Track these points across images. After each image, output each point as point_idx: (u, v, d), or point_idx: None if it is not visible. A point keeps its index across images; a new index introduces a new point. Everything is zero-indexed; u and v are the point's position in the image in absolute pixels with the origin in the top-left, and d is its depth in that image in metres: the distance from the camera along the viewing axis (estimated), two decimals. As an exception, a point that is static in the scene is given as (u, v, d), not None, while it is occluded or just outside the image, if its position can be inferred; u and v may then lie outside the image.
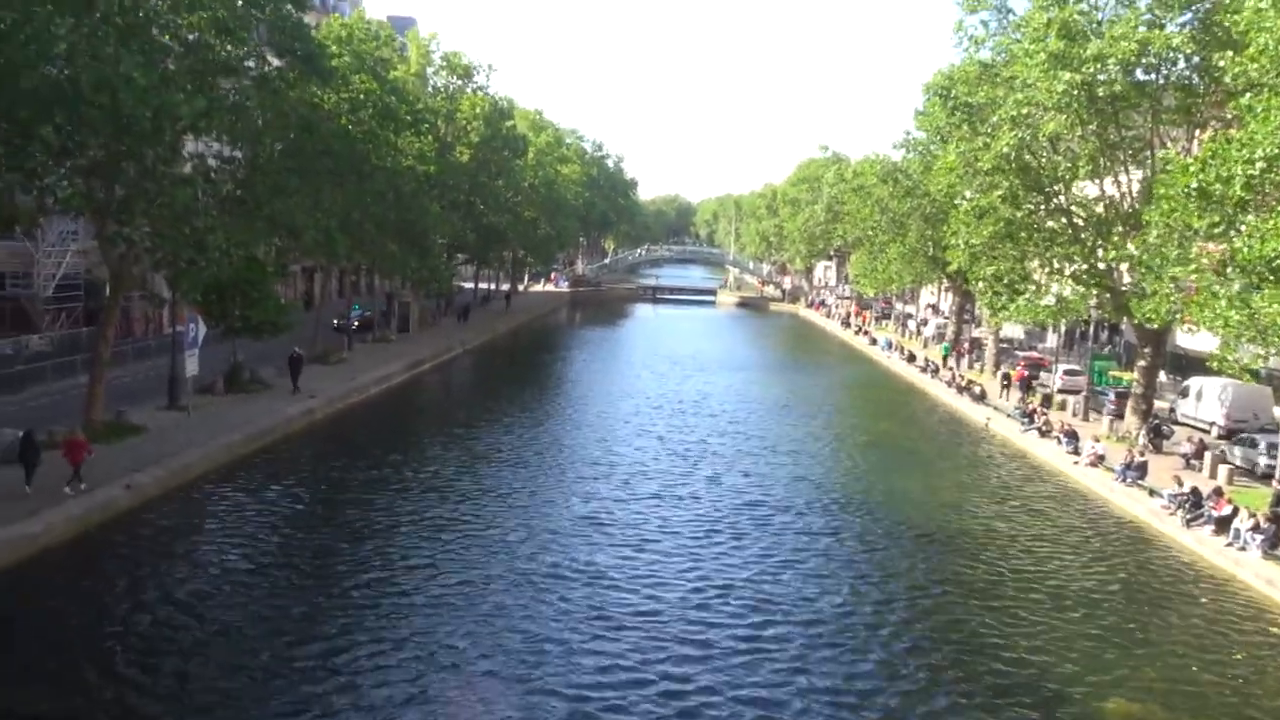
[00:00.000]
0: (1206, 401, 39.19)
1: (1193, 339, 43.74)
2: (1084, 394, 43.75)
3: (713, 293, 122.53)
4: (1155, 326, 33.57)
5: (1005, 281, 39.07)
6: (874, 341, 71.91)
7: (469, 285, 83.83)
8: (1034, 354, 58.63)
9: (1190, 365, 46.18)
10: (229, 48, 29.06)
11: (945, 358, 59.19)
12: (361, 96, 44.29)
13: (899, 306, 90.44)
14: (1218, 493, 26.79)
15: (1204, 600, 21.96)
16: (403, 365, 48.39)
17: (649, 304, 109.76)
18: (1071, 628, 19.66)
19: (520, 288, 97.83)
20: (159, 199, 26.87)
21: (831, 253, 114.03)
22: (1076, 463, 33.75)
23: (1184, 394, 41.42)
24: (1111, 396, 42.37)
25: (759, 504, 27.98)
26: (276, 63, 32.23)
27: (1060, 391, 46.74)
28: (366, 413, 39.33)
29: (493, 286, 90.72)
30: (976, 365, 58.21)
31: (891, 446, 37.98)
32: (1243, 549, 23.83)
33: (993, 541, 25.49)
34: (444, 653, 16.94)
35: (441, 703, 15.31)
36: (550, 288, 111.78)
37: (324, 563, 21.44)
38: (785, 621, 19.16)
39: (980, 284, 41.47)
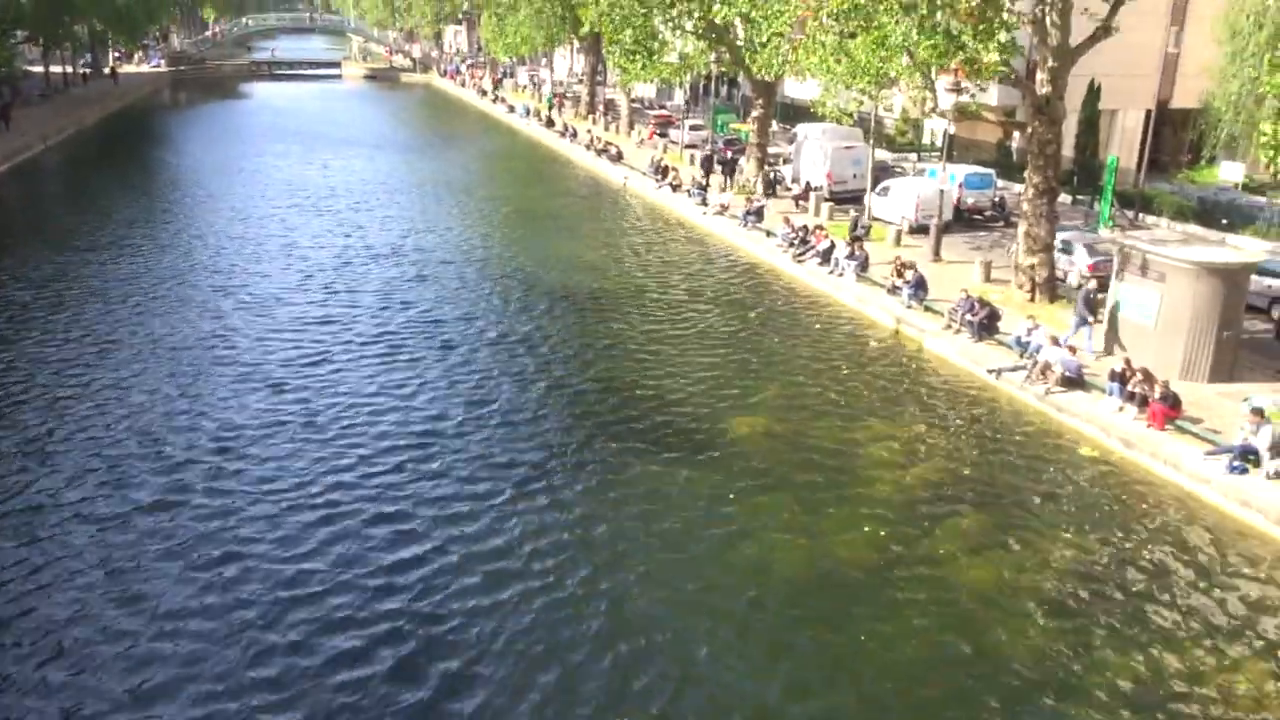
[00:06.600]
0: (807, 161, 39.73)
1: (800, 88, 47.43)
2: (705, 144, 46.35)
3: (337, 65, 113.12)
4: (769, 78, 36.41)
5: (638, 41, 39.84)
6: (511, 109, 71.00)
7: (39, 70, 71.03)
8: (664, 112, 60.87)
9: (798, 114, 50.22)
10: None
11: (550, 107, 66.49)
12: None
13: (539, 72, 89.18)
14: (818, 229, 30.20)
15: (816, 325, 25.21)
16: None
17: (268, 80, 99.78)
18: (704, 359, 21.91)
19: (107, 70, 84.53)
20: None
21: (460, 16, 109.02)
22: (705, 213, 36.36)
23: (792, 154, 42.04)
24: (720, 144, 45.67)
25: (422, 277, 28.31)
26: None
27: (688, 146, 49.35)
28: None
29: (69, 70, 77.63)
30: (613, 127, 59.57)
31: (535, 213, 38.60)
32: (841, 275, 27.36)
33: (642, 293, 27.29)
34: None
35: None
36: (145, 68, 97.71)
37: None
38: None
39: (615, 48, 41.72)
